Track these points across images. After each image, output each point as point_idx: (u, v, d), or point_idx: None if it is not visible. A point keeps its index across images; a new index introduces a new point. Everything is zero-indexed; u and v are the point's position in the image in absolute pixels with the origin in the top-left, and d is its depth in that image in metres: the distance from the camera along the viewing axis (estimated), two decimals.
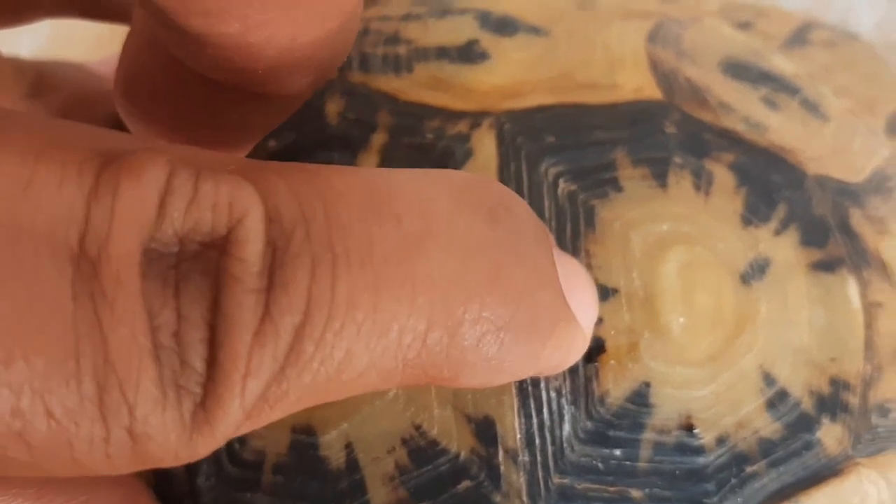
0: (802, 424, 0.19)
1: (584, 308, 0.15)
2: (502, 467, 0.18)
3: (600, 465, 0.18)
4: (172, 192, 0.11)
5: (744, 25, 0.27)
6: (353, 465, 0.18)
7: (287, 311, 0.11)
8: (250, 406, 0.11)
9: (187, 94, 0.16)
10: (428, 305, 0.12)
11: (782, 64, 0.24)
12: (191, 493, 0.19)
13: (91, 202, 0.11)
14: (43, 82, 0.24)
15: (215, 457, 0.19)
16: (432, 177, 0.14)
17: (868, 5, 0.34)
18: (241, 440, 0.19)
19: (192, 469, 0.19)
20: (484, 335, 0.13)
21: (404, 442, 0.18)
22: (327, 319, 0.12)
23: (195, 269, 0.11)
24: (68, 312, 0.11)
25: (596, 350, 0.18)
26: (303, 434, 0.19)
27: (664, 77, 0.22)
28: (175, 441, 0.11)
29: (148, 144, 0.12)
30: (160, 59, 0.16)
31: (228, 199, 0.11)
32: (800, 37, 0.27)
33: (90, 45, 0.39)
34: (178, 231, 0.11)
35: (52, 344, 0.10)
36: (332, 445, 0.18)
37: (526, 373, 0.15)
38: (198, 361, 0.11)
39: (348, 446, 0.18)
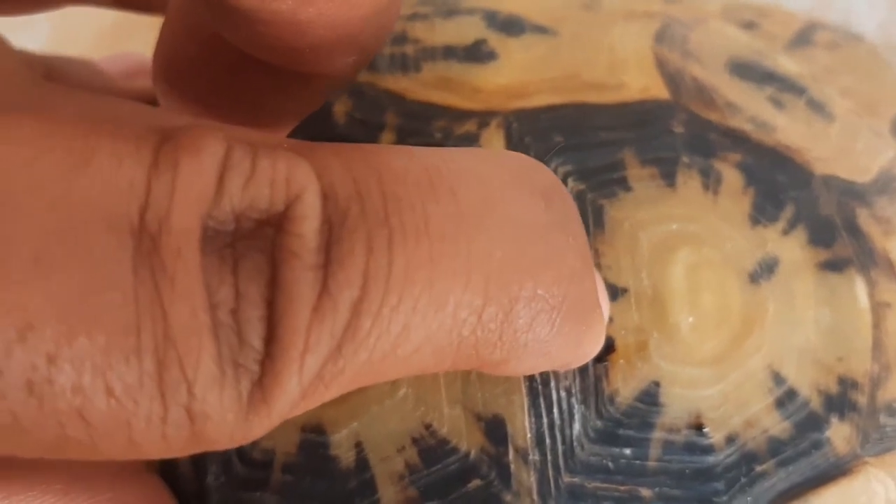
0: (811, 424, 0.19)
1: (602, 305, 0.15)
2: (512, 466, 0.18)
3: (610, 464, 0.18)
4: (231, 168, 0.11)
5: (748, 25, 0.27)
6: (362, 464, 0.18)
7: (345, 286, 0.11)
8: (307, 384, 0.11)
9: (223, 80, 0.16)
10: (484, 281, 0.12)
11: (787, 64, 0.24)
12: (199, 493, 0.19)
13: (151, 177, 0.11)
14: (51, 77, 0.24)
15: (224, 456, 0.19)
16: (486, 156, 0.14)
17: (868, 6, 0.34)
18: None
19: (200, 468, 0.19)
20: (538, 314, 0.13)
21: (414, 441, 0.18)
22: (384, 294, 0.11)
23: (252, 247, 0.11)
24: (129, 287, 0.10)
25: (606, 349, 0.18)
26: (312, 433, 0.19)
27: (671, 77, 0.22)
28: (232, 421, 0.11)
29: (201, 122, 0.12)
30: (196, 44, 0.16)
31: (286, 175, 0.11)
32: (803, 37, 0.27)
33: (89, 44, 0.39)
34: (236, 207, 0.11)
35: (114, 319, 0.10)
36: (341, 445, 0.18)
37: (565, 362, 0.15)
38: (256, 339, 0.11)
39: (358, 445, 0.18)
